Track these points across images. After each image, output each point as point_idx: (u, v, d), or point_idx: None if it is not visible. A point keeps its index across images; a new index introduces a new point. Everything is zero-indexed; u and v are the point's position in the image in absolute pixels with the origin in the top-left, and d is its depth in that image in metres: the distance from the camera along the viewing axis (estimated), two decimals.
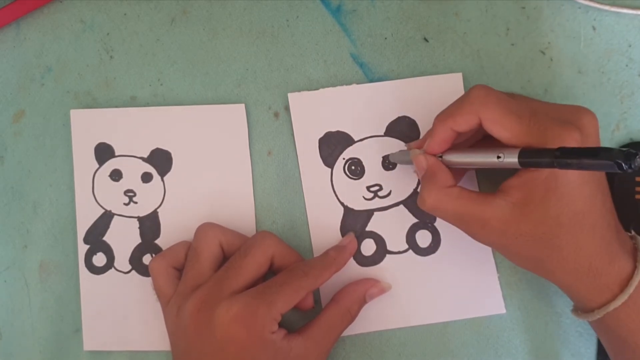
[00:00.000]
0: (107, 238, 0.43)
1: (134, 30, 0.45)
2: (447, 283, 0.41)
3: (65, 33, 0.45)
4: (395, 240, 0.42)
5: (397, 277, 0.42)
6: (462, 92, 0.36)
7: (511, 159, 0.32)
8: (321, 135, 0.43)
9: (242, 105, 0.43)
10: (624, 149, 0.26)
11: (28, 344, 0.44)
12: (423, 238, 0.42)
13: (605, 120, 0.42)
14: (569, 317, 0.41)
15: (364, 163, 0.42)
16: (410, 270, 0.42)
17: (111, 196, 0.44)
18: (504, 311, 0.41)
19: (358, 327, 0.41)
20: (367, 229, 0.42)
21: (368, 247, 0.42)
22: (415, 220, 0.42)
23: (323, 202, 0.42)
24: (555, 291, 0.41)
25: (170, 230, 0.43)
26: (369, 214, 0.42)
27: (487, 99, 0.34)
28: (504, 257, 0.38)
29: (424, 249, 0.42)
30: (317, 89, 0.43)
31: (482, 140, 0.39)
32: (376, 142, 0.42)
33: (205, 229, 0.40)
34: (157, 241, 0.43)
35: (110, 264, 0.43)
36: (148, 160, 0.44)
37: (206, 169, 0.43)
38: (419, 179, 0.42)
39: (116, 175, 0.44)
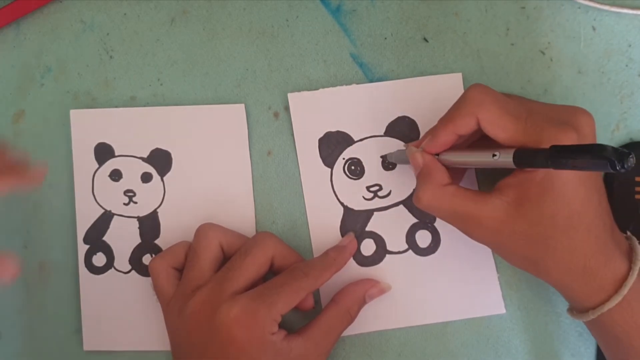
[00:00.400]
0: (107, 238, 0.43)
1: (133, 30, 0.45)
2: (447, 283, 0.41)
3: (65, 33, 0.45)
4: (395, 240, 0.42)
5: (397, 277, 0.42)
6: (462, 92, 0.36)
7: (506, 158, 0.32)
8: (321, 135, 0.43)
9: (242, 106, 0.43)
10: (619, 148, 0.26)
11: (28, 343, 0.44)
12: (423, 238, 0.42)
13: (605, 120, 0.42)
14: (568, 317, 0.41)
15: (363, 163, 0.42)
16: (410, 271, 0.42)
17: (111, 196, 0.44)
18: (504, 311, 0.41)
19: (358, 327, 0.41)
20: (367, 229, 0.42)
21: (368, 247, 0.42)
22: (415, 220, 0.42)
23: (323, 202, 0.42)
24: (555, 291, 0.41)
25: (170, 230, 0.43)
26: (368, 214, 0.42)
27: (484, 99, 0.34)
28: None
29: (424, 249, 0.42)
30: (316, 89, 0.43)
31: (481, 140, 0.39)
32: (376, 142, 0.42)
33: (205, 229, 0.40)
34: (156, 241, 0.43)
35: (110, 264, 0.43)
36: (148, 160, 0.44)
37: (206, 169, 0.43)
38: None
39: (116, 175, 0.44)
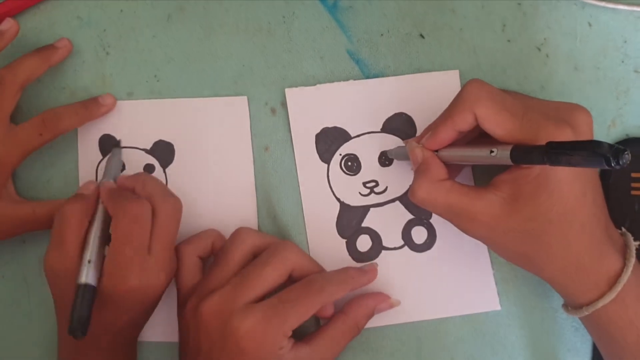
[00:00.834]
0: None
1: (130, 26, 0.45)
2: (443, 279, 0.42)
3: (61, 29, 0.45)
4: (391, 236, 0.42)
5: (393, 273, 0.42)
6: (459, 89, 0.36)
7: (503, 155, 0.32)
8: (318, 131, 0.43)
9: (245, 98, 0.43)
10: (614, 144, 0.26)
11: (26, 339, 0.44)
12: (419, 234, 0.42)
13: (601, 116, 0.42)
14: (564, 312, 0.41)
15: (360, 159, 0.43)
16: (406, 267, 0.42)
17: None
18: (499, 308, 0.41)
19: None
20: (363, 224, 0.42)
21: (364, 243, 0.42)
22: (411, 216, 0.42)
23: (319, 197, 0.43)
24: (550, 287, 0.41)
25: None
26: (365, 209, 0.42)
27: (481, 95, 0.34)
28: None
29: (420, 245, 0.42)
30: (313, 85, 0.43)
31: (479, 137, 0.39)
32: (373, 138, 0.43)
33: (242, 234, 0.40)
34: None
35: None
36: (151, 152, 0.44)
37: (208, 161, 0.43)
38: None
39: None
